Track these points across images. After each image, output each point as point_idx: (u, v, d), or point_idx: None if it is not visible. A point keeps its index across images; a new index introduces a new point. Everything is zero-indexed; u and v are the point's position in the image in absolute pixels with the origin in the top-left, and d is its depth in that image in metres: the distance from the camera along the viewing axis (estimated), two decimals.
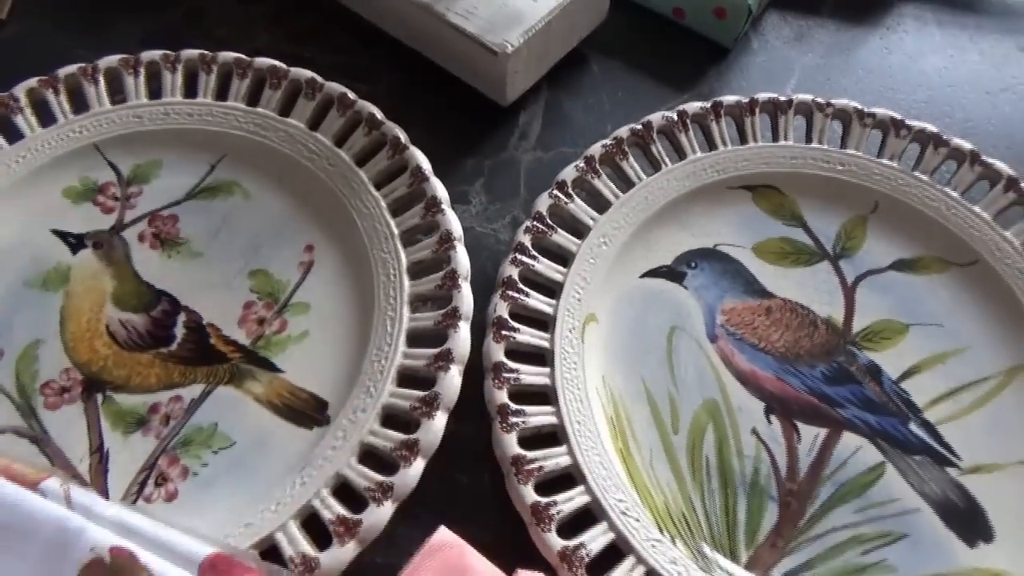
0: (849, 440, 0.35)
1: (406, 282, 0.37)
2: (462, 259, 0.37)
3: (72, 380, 0.36)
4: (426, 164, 0.40)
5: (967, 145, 0.41)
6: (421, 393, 0.34)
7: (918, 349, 0.37)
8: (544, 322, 0.37)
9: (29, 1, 0.49)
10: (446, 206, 0.39)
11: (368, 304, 0.37)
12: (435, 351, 0.35)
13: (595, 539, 0.32)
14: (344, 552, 0.31)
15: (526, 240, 0.38)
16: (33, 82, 0.42)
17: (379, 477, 0.32)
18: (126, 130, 0.42)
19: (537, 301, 0.37)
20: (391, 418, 0.34)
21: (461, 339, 0.35)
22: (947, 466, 0.35)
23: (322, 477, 0.32)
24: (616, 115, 0.45)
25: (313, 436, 0.34)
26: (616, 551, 0.32)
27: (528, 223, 0.39)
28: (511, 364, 0.35)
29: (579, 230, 0.39)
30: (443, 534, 0.29)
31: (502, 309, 0.36)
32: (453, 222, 0.38)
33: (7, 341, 0.36)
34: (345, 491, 0.32)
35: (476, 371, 0.35)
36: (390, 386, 0.34)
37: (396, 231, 0.38)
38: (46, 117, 0.41)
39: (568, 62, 0.46)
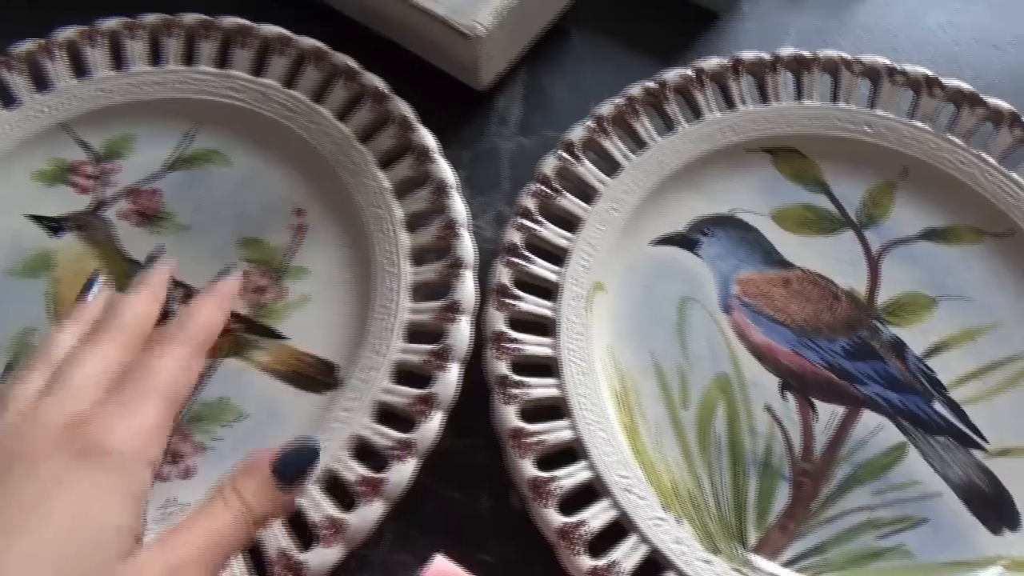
0: (869, 419, 0.33)
1: (403, 236, 0.36)
2: (459, 207, 0.36)
3: None
4: (412, 113, 0.38)
5: (1006, 106, 0.38)
6: (432, 347, 0.33)
7: (946, 324, 0.35)
8: (548, 290, 0.35)
9: None
10: (437, 154, 0.37)
11: (366, 262, 0.36)
12: (442, 303, 0.34)
13: (596, 516, 0.30)
14: (372, 511, 0.30)
15: (530, 204, 0.36)
16: None
17: (399, 434, 0.32)
18: (93, 105, 0.40)
19: (541, 268, 0.35)
20: (403, 375, 0.33)
21: (467, 288, 0.34)
22: (972, 448, 0.33)
23: (339, 440, 0.32)
24: (601, 93, 0.42)
25: (325, 400, 0.34)
26: (619, 529, 0.31)
27: (533, 186, 0.37)
28: (513, 334, 0.33)
29: (587, 194, 0.37)
30: (440, 564, 0.28)
31: (504, 276, 0.35)
32: (446, 170, 0.37)
33: None
34: (364, 452, 0.32)
35: (471, 386, 0.33)
36: (399, 343, 0.34)
37: (387, 184, 0.37)
38: (6, 98, 0.39)
39: (547, 38, 0.43)
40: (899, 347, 0.35)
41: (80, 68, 0.40)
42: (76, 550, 0.23)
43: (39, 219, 0.38)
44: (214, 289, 0.32)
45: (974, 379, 0.34)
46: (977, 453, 0.33)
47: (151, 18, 0.41)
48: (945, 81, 0.39)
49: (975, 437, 0.33)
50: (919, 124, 0.38)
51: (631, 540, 0.30)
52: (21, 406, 0.26)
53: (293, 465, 0.27)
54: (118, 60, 0.41)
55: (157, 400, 0.26)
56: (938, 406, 0.34)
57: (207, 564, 0.25)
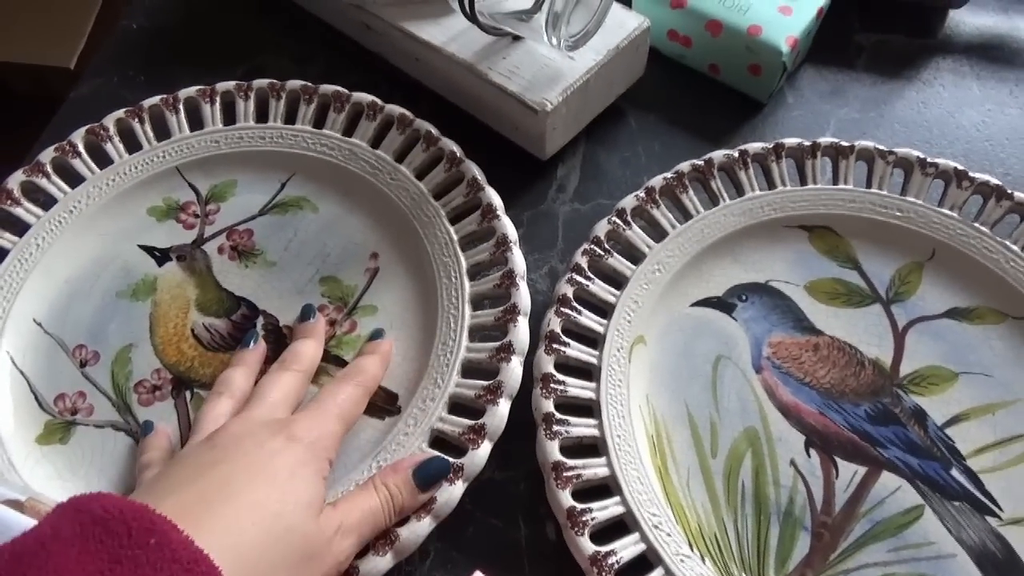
0: (888, 480, 0.36)
1: (466, 283, 0.40)
2: (518, 260, 0.40)
3: (162, 379, 0.40)
4: (481, 175, 0.43)
5: None
6: (485, 382, 0.37)
7: (967, 397, 0.38)
8: (594, 340, 0.39)
9: (98, 61, 0.53)
10: (501, 212, 0.41)
11: (432, 304, 0.40)
12: (497, 344, 0.38)
13: (626, 548, 0.33)
14: (421, 527, 0.34)
15: (583, 261, 0.40)
16: (120, 113, 0.46)
17: (450, 459, 0.35)
18: (204, 154, 0.45)
19: (589, 319, 0.39)
20: (458, 406, 0.37)
21: (520, 332, 0.38)
22: (987, 515, 0.35)
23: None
24: (652, 168, 0.46)
25: (385, 425, 0.37)
26: (645, 562, 0.33)
27: (586, 246, 0.41)
28: (559, 376, 0.37)
29: (635, 256, 0.41)
30: None
31: (555, 324, 0.38)
32: (508, 227, 0.41)
33: (103, 346, 0.41)
34: None
35: (513, 423, 0.36)
36: (456, 377, 0.37)
37: (455, 237, 0.41)
38: (132, 144, 0.46)
39: (606, 117, 0.47)
40: (920, 415, 0.37)
41: (196, 121, 0.47)
42: (292, 501, 0.30)
43: (148, 249, 0.44)
44: (377, 348, 0.39)
45: (992, 450, 0.36)
46: (992, 520, 0.35)
47: (261, 82, 0.47)
48: (974, 175, 0.42)
49: (991, 505, 0.35)
50: (947, 212, 0.41)
51: (656, 573, 0.33)
52: (221, 420, 0.34)
53: (429, 471, 0.34)
54: (229, 116, 0.47)
55: (336, 419, 0.34)
56: (956, 473, 0.36)
57: (360, 532, 0.32)
